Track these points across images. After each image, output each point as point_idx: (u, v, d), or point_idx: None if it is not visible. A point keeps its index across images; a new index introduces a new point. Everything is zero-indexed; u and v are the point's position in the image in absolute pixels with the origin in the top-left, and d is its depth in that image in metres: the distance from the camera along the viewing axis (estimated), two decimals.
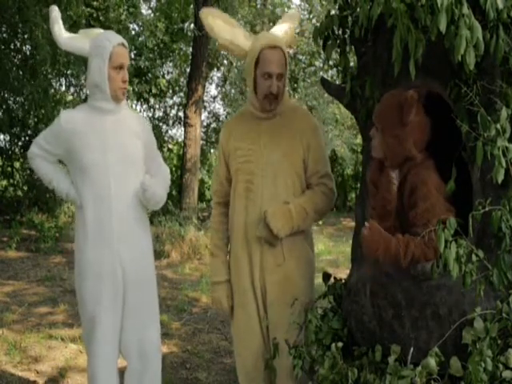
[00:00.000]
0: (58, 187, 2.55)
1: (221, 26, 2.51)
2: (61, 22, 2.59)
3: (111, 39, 2.48)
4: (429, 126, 2.28)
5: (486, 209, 1.98)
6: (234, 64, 12.23)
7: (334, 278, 2.80)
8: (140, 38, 12.01)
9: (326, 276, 2.84)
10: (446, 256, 1.91)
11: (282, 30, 2.67)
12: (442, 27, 1.95)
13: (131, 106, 11.67)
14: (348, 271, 2.66)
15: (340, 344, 2.35)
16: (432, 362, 2.01)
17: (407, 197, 2.28)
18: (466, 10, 1.96)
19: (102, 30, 2.71)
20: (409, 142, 2.24)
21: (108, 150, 2.45)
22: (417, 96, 2.21)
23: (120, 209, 2.45)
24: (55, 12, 2.56)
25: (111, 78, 2.44)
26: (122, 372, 2.65)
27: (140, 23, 11.67)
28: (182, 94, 13.86)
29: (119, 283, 2.46)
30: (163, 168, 2.76)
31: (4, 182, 10.65)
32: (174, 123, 14.37)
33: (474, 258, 1.96)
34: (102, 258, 2.45)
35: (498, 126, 1.98)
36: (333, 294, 2.70)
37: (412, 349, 2.11)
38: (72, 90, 11.72)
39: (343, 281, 2.76)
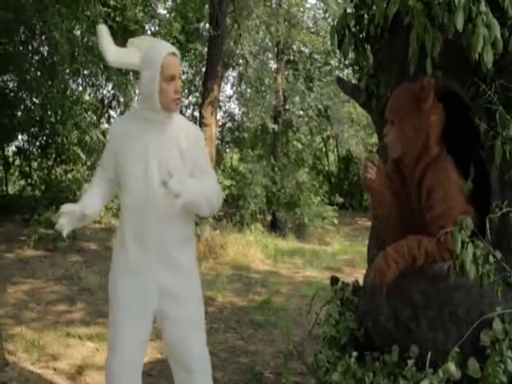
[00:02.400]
0: (82, 196, 2.54)
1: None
2: (108, 38, 2.46)
3: (161, 50, 2.38)
4: (443, 115, 2.25)
5: (504, 210, 1.96)
6: (250, 63, 12.25)
7: (342, 282, 2.80)
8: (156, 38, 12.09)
9: (334, 280, 2.84)
10: (462, 257, 1.89)
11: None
12: (459, 25, 1.93)
13: None
14: (364, 271, 2.65)
15: (355, 353, 2.35)
16: (452, 366, 1.99)
17: (425, 199, 2.25)
18: (483, 7, 1.94)
19: (149, 38, 2.58)
20: (427, 130, 2.22)
21: (148, 162, 2.39)
22: (433, 81, 2.19)
23: (158, 223, 2.39)
24: (103, 31, 2.45)
25: (163, 90, 2.36)
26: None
27: (157, 22, 11.73)
28: (197, 94, 13.89)
29: (151, 297, 2.43)
30: (208, 180, 2.51)
31: (22, 182, 10.76)
32: None
33: (491, 259, 1.94)
34: (136, 272, 2.42)
35: None
36: (340, 299, 2.70)
37: (430, 353, 2.09)
38: (89, 90, 11.83)
39: (350, 285, 2.76)
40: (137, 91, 11.30)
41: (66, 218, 2.40)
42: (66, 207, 2.43)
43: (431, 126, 2.22)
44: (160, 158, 2.41)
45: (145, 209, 2.39)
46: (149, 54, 2.40)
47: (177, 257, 2.46)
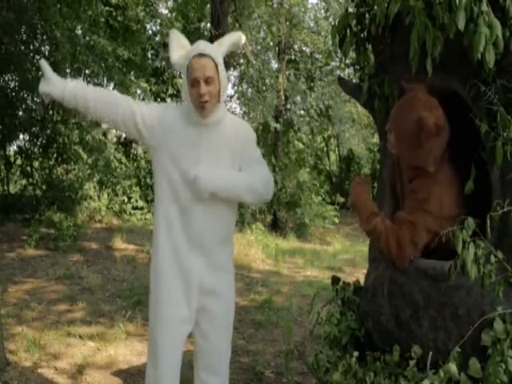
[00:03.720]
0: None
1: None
2: (177, 42, 2.41)
3: (190, 52, 2.31)
4: (448, 134, 2.22)
5: (505, 209, 1.96)
6: (252, 63, 12.25)
7: (343, 282, 2.80)
8: (157, 38, 12.08)
9: (335, 280, 2.83)
10: (463, 257, 1.89)
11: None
12: (461, 25, 1.93)
13: None
14: (365, 271, 2.65)
15: (356, 353, 2.35)
16: (453, 367, 1.99)
17: (408, 194, 2.32)
18: (485, 7, 1.93)
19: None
20: (425, 158, 2.20)
21: (201, 162, 2.35)
22: (436, 128, 2.15)
23: (203, 223, 2.38)
24: (173, 35, 2.42)
25: (191, 94, 2.31)
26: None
27: (158, 21, 11.74)
28: None
29: (194, 295, 2.42)
30: (254, 169, 2.44)
31: (23, 181, 10.76)
32: None
33: (492, 259, 1.94)
34: (179, 268, 2.41)
35: None
36: (341, 299, 2.70)
37: (431, 353, 2.09)
38: None
39: (351, 285, 2.77)
40: (138, 91, 11.30)
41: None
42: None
43: (430, 153, 2.19)
44: (211, 161, 2.37)
45: (192, 209, 2.37)
46: (184, 56, 2.35)
47: (218, 257, 2.46)
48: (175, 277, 2.41)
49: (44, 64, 2.37)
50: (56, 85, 2.35)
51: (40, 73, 9.31)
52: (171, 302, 2.41)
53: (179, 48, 2.42)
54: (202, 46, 2.35)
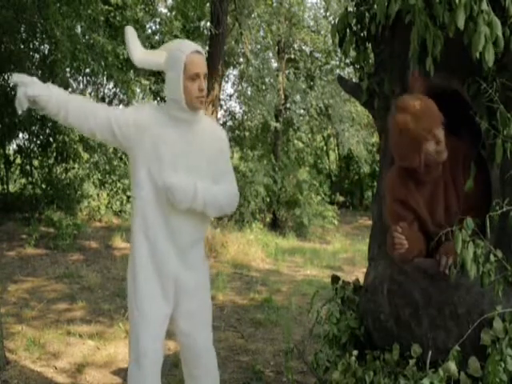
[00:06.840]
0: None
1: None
2: (135, 39, 2.50)
3: (184, 49, 2.36)
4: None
5: (504, 208, 1.96)
6: (251, 62, 12.24)
7: (343, 280, 2.80)
8: (156, 37, 12.07)
9: (335, 279, 2.84)
10: (463, 256, 1.89)
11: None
12: (460, 24, 1.93)
13: None
14: (365, 270, 2.65)
15: (356, 352, 2.35)
16: (453, 365, 1.99)
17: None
18: (484, 5, 1.93)
19: (179, 39, 2.60)
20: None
21: (176, 162, 2.40)
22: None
23: (178, 220, 2.42)
24: (130, 31, 2.50)
25: (187, 89, 2.34)
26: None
27: (158, 21, 11.72)
28: None
29: (170, 288, 2.48)
30: (226, 186, 2.52)
31: (23, 180, 10.76)
32: None
33: (492, 258, 1.94)
34: (156, 265, 2.46)
35: None
36: (340, 298, 2.71)
37: (430, 352, 2.09)
38: (90, 88, 11.82)
39: (351, 284, 2.77)
40: (138, 89, 11.28)
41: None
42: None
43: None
44: (188, 159, 2.42)
45: (168, 206, 2.41)
46: (172, 53, 2.40)
47: (192, 256, 2.52)
48: (153, 275, 2.46)
49: (18, 75, 2.40)
50: (43, 88, 2.36)
51: (40, 72, 9.33)
52: (151, 299, 2.46)
53: (139, 45, 2.50)
54: (194, 44, 2.45)
